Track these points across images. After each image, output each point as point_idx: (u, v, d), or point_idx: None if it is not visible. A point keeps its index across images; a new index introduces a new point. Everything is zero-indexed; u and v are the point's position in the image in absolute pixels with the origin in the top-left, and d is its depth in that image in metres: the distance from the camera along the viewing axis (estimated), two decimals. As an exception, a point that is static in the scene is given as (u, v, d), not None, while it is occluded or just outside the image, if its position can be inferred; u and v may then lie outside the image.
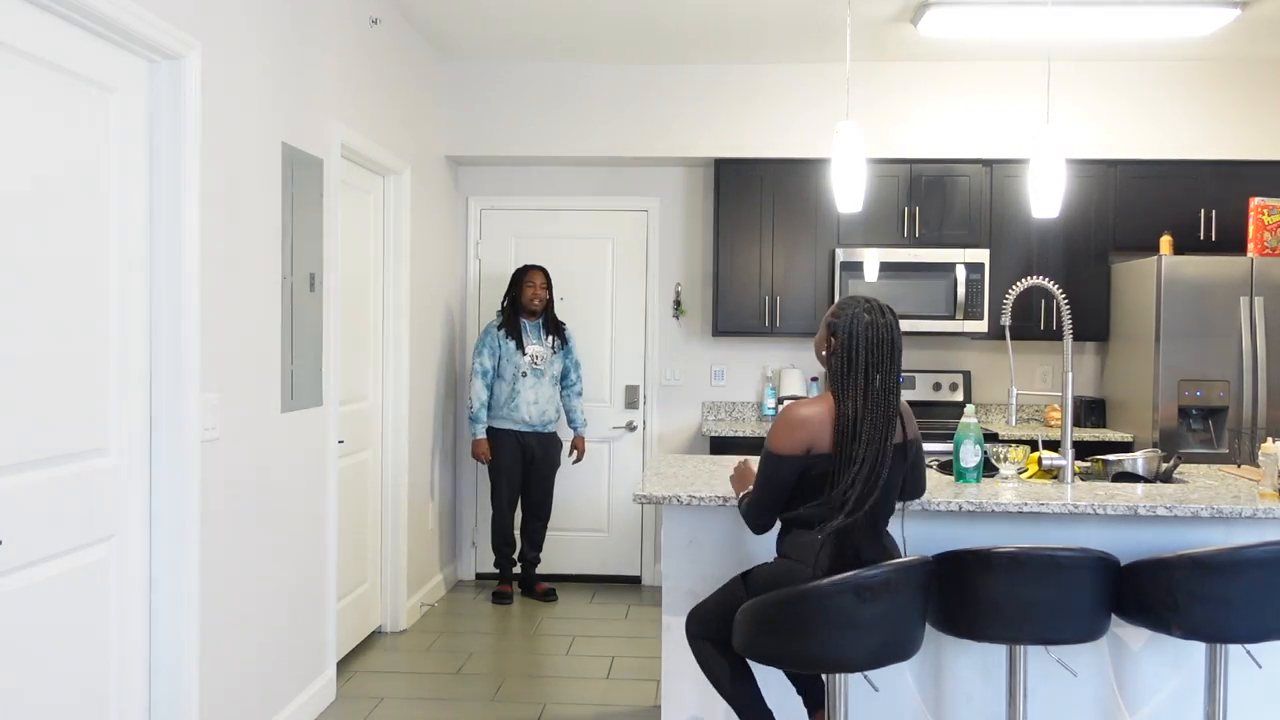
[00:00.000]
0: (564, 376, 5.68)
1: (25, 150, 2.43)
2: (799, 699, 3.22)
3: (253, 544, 3.44)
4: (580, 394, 5.73)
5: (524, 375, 5.49)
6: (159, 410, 2.97)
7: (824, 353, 2.86)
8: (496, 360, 5.51)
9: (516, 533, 5.75)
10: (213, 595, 3.16)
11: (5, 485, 2.37)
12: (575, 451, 5.76)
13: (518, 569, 5.80)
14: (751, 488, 2.87)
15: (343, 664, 4.51)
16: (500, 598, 5.67)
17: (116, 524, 2.82)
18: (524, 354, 5.49)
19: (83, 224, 2.65)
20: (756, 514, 2.85)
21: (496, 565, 5.76)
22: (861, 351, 2.73)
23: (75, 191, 2.62)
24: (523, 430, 5.54)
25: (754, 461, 3.03)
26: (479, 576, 6.16)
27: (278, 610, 3.65)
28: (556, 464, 5.71)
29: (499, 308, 5.67)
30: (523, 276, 5.55)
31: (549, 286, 5.59)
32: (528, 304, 5.51)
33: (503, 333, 5.51)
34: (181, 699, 3.00)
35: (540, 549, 5.81)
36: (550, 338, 5.58)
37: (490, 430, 5.54)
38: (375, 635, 4.98)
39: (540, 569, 5.89)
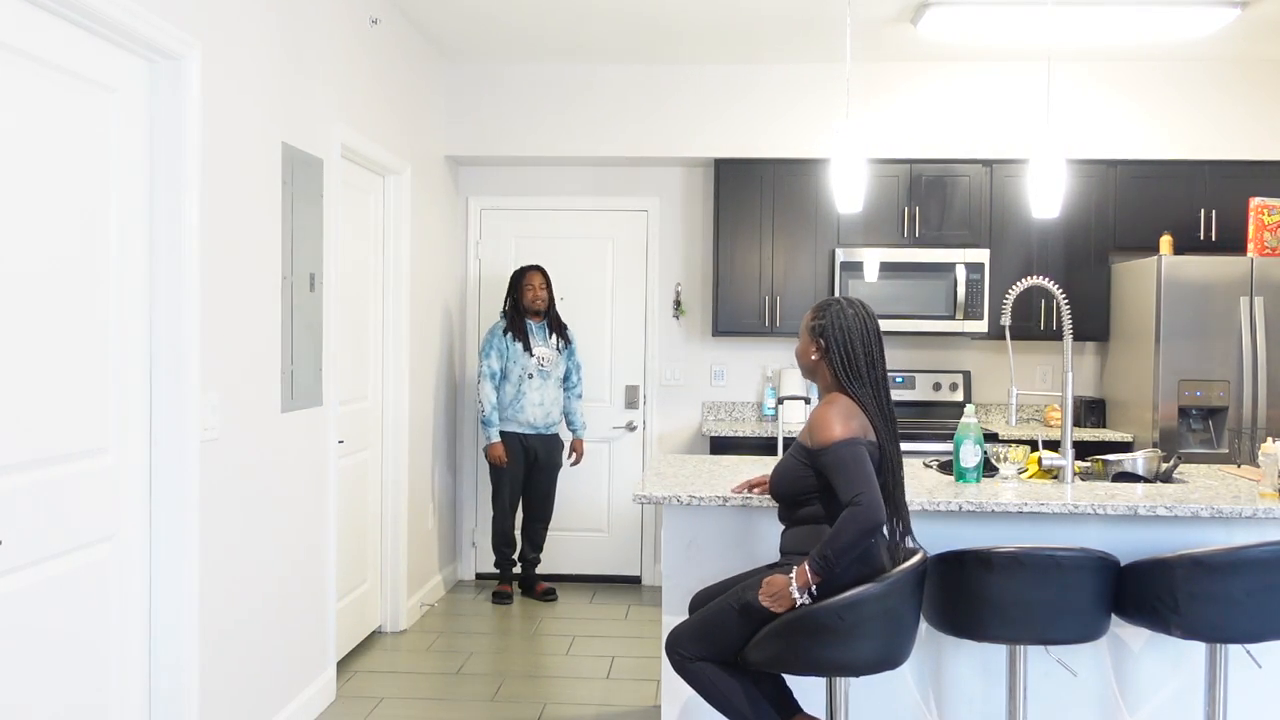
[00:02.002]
0: (565, 378, 5.64)
1: (25, 150, 2.43)
2: (804, 701, 3.20)
3: (253, 544, 3.44)
4: (580, 396, 5.70)
5: (530, 377, 5.46)
6: (159, 410, 2.97)
7: (814, 358, 2.89)
8: (504, 362, 5.47)
9: (517, 533, 5.75)
10: (213, 595, 3.16)
11: (5, 485, 2.37)
12: (574, 454, 5.73)
13: (518, 569, 5.80)
14: (849, 497, 2.67)
15: (343, 664, 4.51)
16: (500, 598, 5.66)
17: (116, 524, 2.82)
18: (531, 355, 5.46)
19: (83, 224, 2.65)
20: (872, 505, 2.64)
21: (497, 565, 5.75)
22: (858, 343, 2.82)
23: (75, 191, 2.62)
24: (526, 432, 5.52)
25: (775, 578, 2.79)
26: (479, 576, 6.16)
27: (278, 610, 3.65)
28: (559, 465, 5.68)
29: (502, 310, 5.63)
30: (521, 278, 5.53)
31: (549, 286, 5.56)
32: (530, 305, 5.49)
33: (509, 336, 5.47)
34: (181, 699, 3.00)
35: (541, 549, 5.79)
36: (555, 338, 5.56)
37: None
38: (375, 635, 4.98)
39: (540, 569, 5.88)
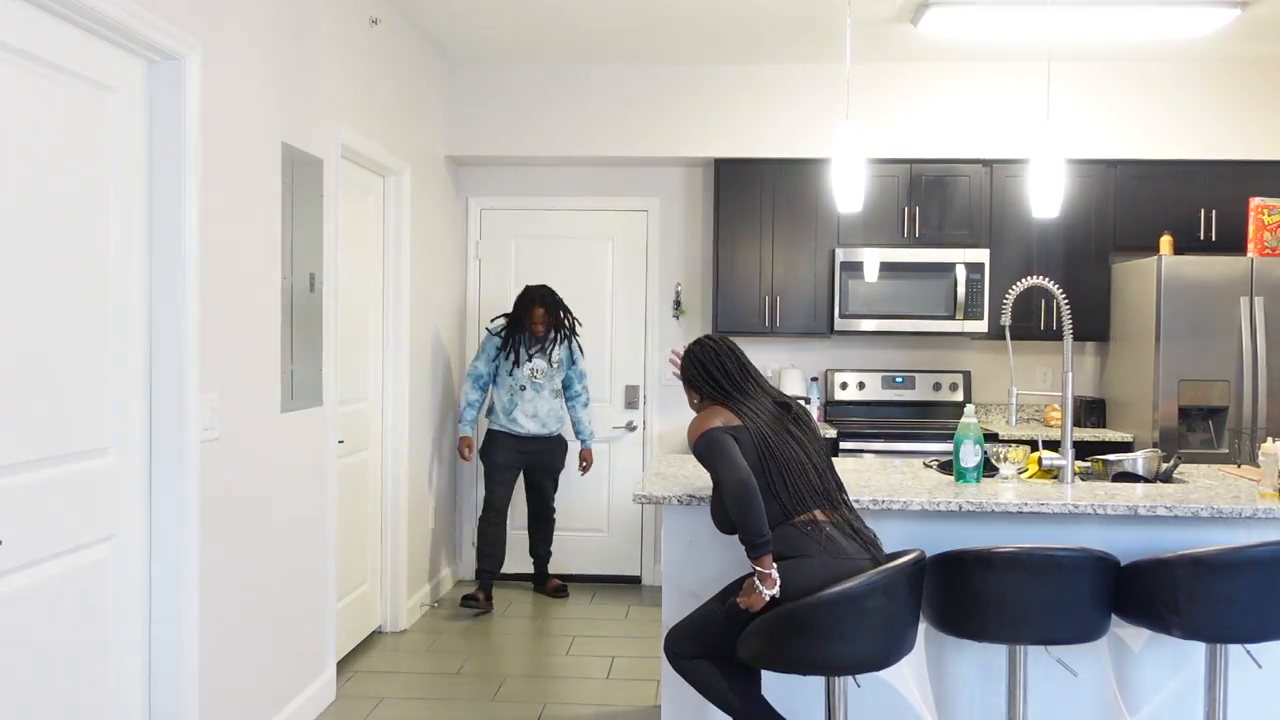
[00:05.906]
0: (568, 386, 5.60)
1: (25, 150, 2.43)
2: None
3: (253, 544, 3.44)
4: (586, 405, 5.64)
5: (523, 389, 5.46)
6: (159, 410, 2.97)
7: (695, 401, 3.11)
8: (494, 368, 5.51)
9: (513, 537, 5.79)
10: (213, 595, 3.16)
11: (5, 485, 2.37)
12: (583, 463, 5.68)
13: (528, 570, 5.79)
14: (727, 505, 2.81)
15: (343, 664, 4.52)
16: (468, 601, 5.39)
17: (116, 524, 2.82)
18: (521, 368, 5.45)
19: (83, 224, 2.65)
20: (728, 476, 2.79)
21: (476, 575, 5.52)
22: (714, 367, 3.05)
23: (75, 191, 2.62)
24: (521, 434, 5.50)
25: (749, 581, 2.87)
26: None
27: (278, 610, 3.65)
28: (558, 467, 5.66)
29: (499, 317, 5.59)
30: (528, 311, 5.39)
31: (555, 309, 5.43)
32: (530, 329, 5.42)
33: (503, 354, 5.47)
34: (181, 699, 3.00)
35: (548, 546, 5.78)
36: (554, 349, 5.50)
37: (491, 432, 5.54)
38: (375, 635, 4.98)
39: (541, 568, 5.95)
